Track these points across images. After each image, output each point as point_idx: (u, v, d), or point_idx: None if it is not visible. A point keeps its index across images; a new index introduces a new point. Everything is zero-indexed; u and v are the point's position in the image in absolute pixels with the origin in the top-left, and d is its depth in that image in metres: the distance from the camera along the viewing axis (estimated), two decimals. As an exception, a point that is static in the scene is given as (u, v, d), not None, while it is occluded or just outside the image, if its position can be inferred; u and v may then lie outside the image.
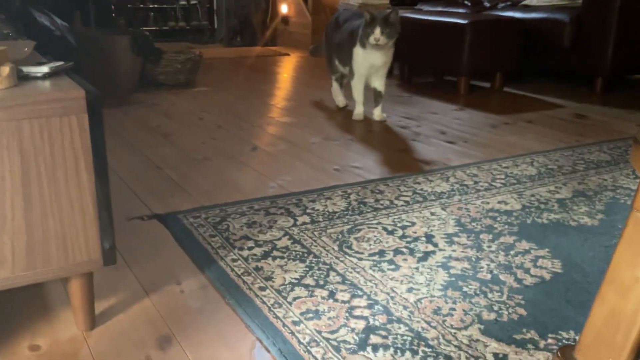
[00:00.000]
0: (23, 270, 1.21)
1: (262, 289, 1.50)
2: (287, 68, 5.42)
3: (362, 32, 3.01)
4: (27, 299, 1.44)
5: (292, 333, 1.32)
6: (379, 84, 3.22)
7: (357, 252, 1.71)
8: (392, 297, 1.47)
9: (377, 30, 2.92)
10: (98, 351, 1.26)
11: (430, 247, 1.74)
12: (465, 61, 3.91)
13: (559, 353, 1.04)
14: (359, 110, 3.28)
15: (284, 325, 1.35)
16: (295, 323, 1.36)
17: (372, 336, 1.31)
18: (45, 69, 1.30)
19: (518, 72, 4.36)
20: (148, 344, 1.28)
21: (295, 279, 1.55)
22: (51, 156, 1.18)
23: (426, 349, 1.27)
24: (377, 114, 3.27)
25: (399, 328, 1.34)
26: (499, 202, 2.08)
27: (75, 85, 1.23)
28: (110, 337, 1.31)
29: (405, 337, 1.31)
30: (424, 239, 1.79)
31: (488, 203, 2.07)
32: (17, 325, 1.34)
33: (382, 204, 2.05)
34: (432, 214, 1.98)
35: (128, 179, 2.29)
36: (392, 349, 1.27)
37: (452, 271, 1.60)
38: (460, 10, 4.70)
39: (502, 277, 1.57)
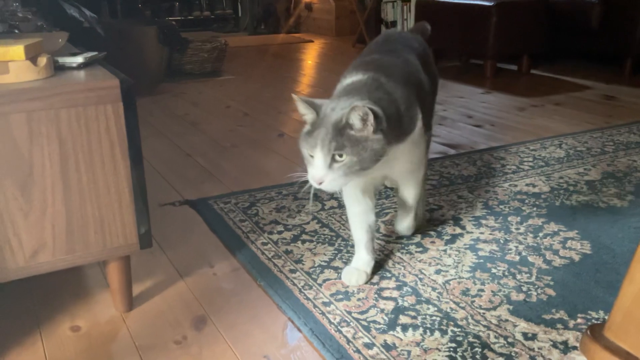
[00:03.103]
0: (63, 254, 1.25)
1: (292, 271, 1.53)
2: (311, 55, 5.42)
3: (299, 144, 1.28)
4: (67, 282, 1.49)
5: (323, 314, 1.35)
6: (406, 190, 1.55)
7: (385, 235, 1.73)
8: (420, 279, 1.49)
9: (319, 159, 1.21)
10: (136, 331, 1.31)
11: (458, 230, 1.75)
12: (492, 44, 3.87)
13: (588, 332, 1.05)
14: (355, 263, 1.50)
15: (315, 306, 1.38)
16: (325, 304, 1.38)
17: (401, 316, 1.33)
18: (80, 59, 1.34)
19: (545, 54, 4.30)
20: (184, 325, 1.32)
21: (325, 261, 1.58)
22: (88, 144, 1.22)
23: (455, 329, 1.29)
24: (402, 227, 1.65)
25: (428, 309, 1.36)
26: (527, 185, 2.07)
27: (110, 75, 1.27)
28: (148, 318, 1.36)
29: (434, 318, 1.33)
30: (451, 221, 1.80)
31: (516, 186, 2.07)
32: (58, 307, 1.40)
33: (409, 188, 2.06)
34: (460, 197, 1.98)
35: (159, 166, 2.34)
36: (421, 329, 1.29)
37: (480, 253, 1.61)
38: (486, -7, 4.63)
39: (530, 258, 1.57)
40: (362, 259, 1.49)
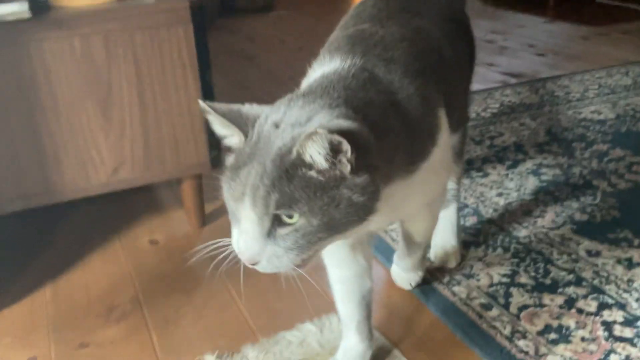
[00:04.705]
0: (141, 172, 1.33)
1: (355, 193, 1.57)
2: (365, -11, 5.30)
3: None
4: (144, 202, 1.59)
5: (386, 231, 1.39)
6: (414, 224, 1.04)
7: (445, 160, 1.74)
8: (482, 201, 1.50)
9: (249, 221, 0.69)
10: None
11: (520, 156, 1.74)
12: (556, -30, 3.68)
13: (656, 244, 1.05)
14: (343, 355, 1.01)
15: (378, 224, 1.42)
16: (388, 223, 1.43)
17: (463, 235, 1.36)
18: (149, -17, 1.37)
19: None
20: (254, 240, 1.39)
21: (386, 184, 1.61)
22: (162, 65, 1.27)
23: (518, 246, 1.31)
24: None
25: (490, 228, 1.39)
26: (592, 112, 2.02)
27: (179, -3, 1.30)
28: (220, 233, 1.42)
29: (496, 236, 1.35)
30: (513, 147, 1.79)
31: (580, 113, 2.02)
32: (138, 223, 1.49)
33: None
34: (522, 124, 1.96)
35: (220, 98, 2.39)
36: (483, 246, 1.32)
37: (543, 177, 1.60)
38: None
39: (595, 182, 1.56)
40: (356, 348, 1.00)
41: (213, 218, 1.49)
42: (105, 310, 1.19)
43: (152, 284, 1.26)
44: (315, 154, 0.66)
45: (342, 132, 0.64)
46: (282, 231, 0.68)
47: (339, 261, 0.95)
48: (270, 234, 0.69)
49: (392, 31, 0.90)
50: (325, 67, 0.83)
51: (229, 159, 0.74)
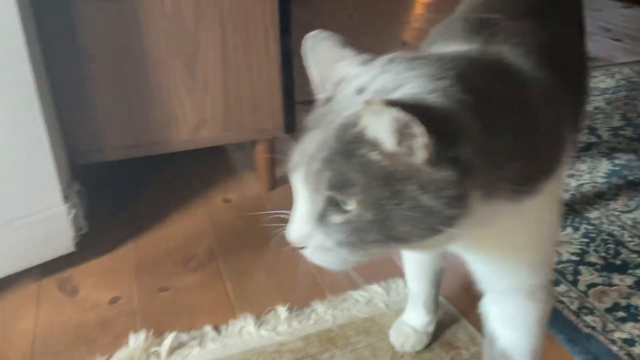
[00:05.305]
0: (220, 131, 1.38)
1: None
2: (433, -32, 5.21)
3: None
4: (218, 163, 1.65)
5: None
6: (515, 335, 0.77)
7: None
8: (552, 181, 1.49)
9: (301, 199, 0.60)
10: (278, 207, 1.43)
11: (593, 139, 1.71)
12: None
13: None
14: (410, 320, 1.03)
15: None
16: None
17: (532, 212, 1.36)
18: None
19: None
20: (323, 204, 1.43)
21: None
22: (246, 28, 1.31)
23: (588, 227, 1.30)
24: None
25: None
26: (671, 100, 1.96)
27: (266, -38, 1.33)
28: (288, 196, 1.47)
29: (566, 216, 1.34)
30: (586, 130, 1.76)
31: (658, 99, 1.96)
32: (212, 183, 1.55)
33: (540, 98, 2.02)
34: (596, 108, 1.92)
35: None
36: (552, 224, 1.31)
37: (617, 161, 1.57)
38: None
39: (671, 169, 1.53)
40: (421, 318, 1.02)
41: (282, 182, 1.54)
42: (183, 259, 1.26)
43: (226, 239, 1.32)
44: (381, 131, 0.51)
45: (415, 108, 0.49)
46: (335, 218, 0.54)
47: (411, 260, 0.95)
48: (322, 218, 0.56)
49: (525, 25, 0.74)
50: (446, 48, 0.69)
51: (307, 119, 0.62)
